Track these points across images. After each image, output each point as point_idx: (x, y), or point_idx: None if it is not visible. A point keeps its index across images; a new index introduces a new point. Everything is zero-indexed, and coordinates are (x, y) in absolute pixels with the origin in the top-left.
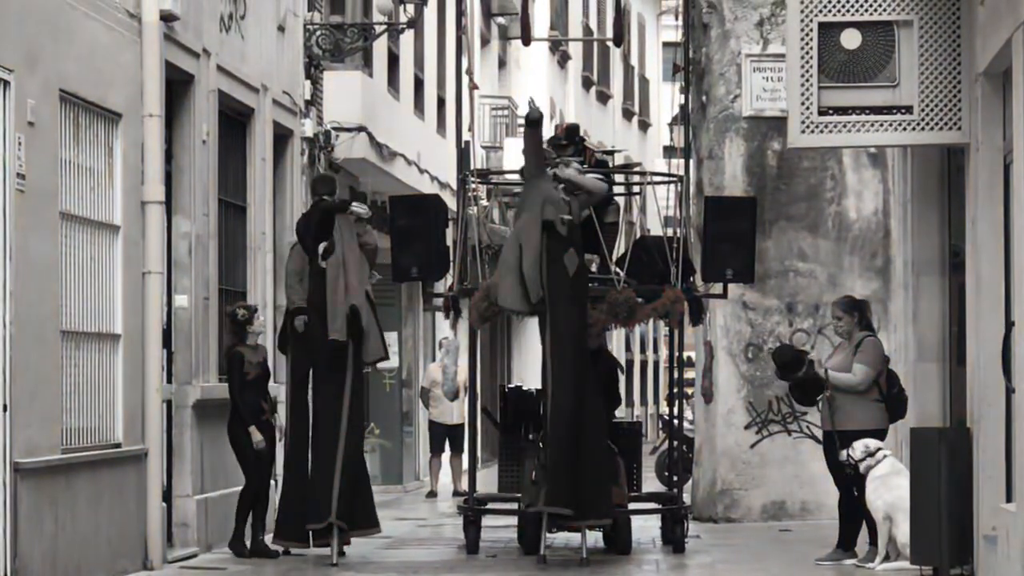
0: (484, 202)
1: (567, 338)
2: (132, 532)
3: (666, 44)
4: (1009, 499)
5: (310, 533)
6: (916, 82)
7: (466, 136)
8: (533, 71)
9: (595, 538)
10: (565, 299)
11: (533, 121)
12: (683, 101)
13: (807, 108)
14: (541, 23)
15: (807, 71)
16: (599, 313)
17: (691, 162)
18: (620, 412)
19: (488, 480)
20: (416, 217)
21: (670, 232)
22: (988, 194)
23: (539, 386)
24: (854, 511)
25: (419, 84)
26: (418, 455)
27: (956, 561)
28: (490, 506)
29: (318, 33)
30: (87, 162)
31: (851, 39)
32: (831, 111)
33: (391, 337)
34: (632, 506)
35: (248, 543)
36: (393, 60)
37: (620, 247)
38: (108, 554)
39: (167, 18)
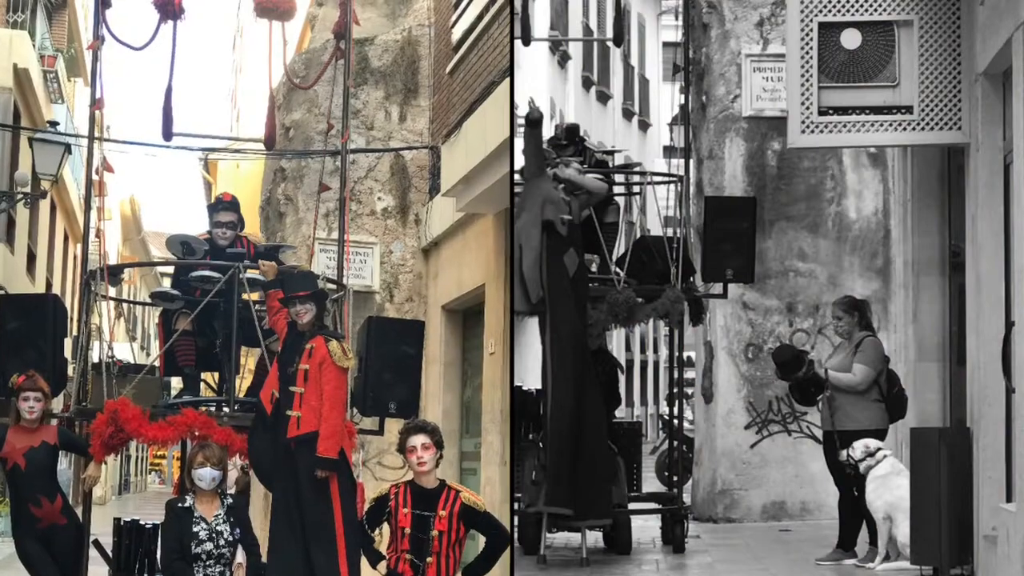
0: None
1: (567, 338)
2: None
3: (666, 44)
4: (1009, 499)
5: None
6: (916, 82)
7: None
8: (533, 71)
9: (595, 538)
10: (565, 299)
11: (533, 121)
12: (683, 101)
13: (807, 108)
14: (541, 23)
15: (807, 71)
16: (599, 313)
17: (691, 162)
18: (620, 412)
19: None
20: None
21: (670, 232)
22: (988, 194)
23: (539, 386)
24: (854, 511)
25: None
26: None
27: (956, 561)
28: None
29: None
30: None
31: (851, 39)
32: (831, 111)
33: None
34: (632, 506)
35: None
36: None
37: (620, 247)
38: None
39: None
